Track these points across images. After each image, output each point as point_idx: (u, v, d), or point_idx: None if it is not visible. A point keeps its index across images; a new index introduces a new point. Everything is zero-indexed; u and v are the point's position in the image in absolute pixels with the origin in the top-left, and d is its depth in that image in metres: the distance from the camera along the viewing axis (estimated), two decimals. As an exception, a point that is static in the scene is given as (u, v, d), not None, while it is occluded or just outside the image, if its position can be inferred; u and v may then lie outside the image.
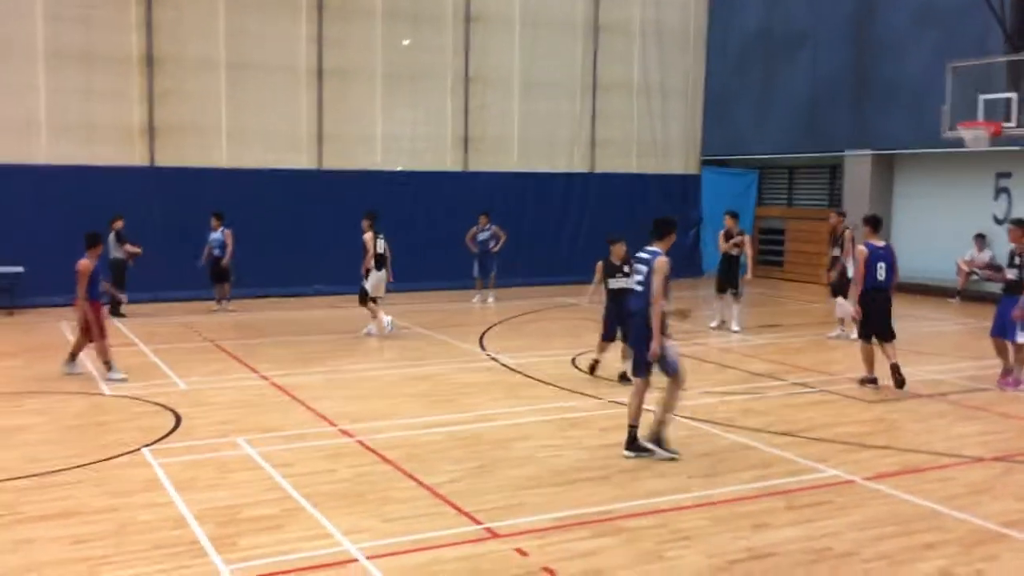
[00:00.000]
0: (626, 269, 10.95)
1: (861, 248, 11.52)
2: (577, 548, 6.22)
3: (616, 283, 11.22)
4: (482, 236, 19.03)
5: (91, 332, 11.55)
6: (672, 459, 8.23)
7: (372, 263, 14.61)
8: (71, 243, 17.64)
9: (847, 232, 14.82)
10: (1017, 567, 5.99)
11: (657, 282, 8.16)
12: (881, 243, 11.64)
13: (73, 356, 11.84)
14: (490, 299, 19.06)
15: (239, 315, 17.13)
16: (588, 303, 11.59)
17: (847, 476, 7.84)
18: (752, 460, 8.30)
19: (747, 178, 26.01)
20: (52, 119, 18.14)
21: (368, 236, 14.65)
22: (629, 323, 8.55)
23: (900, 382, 11.06)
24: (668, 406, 8.40)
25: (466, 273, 19.98)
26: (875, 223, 11.75)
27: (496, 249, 19.07)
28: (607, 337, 11.53)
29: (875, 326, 11.37)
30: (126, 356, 13.03)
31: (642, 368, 8.41)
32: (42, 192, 17.84)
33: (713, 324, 16.01)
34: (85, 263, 11.63)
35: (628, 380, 10.94)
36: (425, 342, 14.50)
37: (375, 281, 14.69)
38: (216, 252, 17.55)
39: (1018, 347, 11.21)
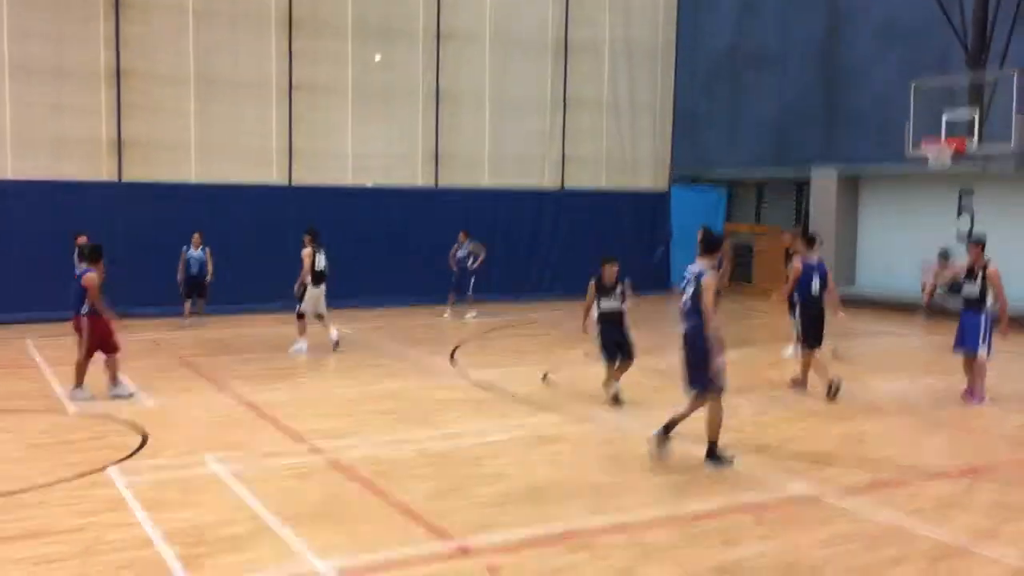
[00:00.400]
0: (618, 290, 11.08)
1: (796, 265, 12.25)
2: (549, 565, 6.22)
3: (608, 304, 11.17)
4: (460, 253, 19.10)
5: (89, 346, 11.14)
6: (730, 466, 8.48)
7: (309, 279, 14.58)
8: (37, 259, 17.58)
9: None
10: (982, 581, 6.06)
11: (708, 298, 8.28)
12: (814, 259, 12.20)
13: (113, 378, 11.34)
14: (469, 316, 19.03)
15: (208, 332, 17.00)
16: (585, 331, 11.37)
17: (815, 492, 7.90)
18: (722, 476, 8.35)
19: (716, 195, 26.24)
20: (18, 133, 17.93)
21: (307, 252, 14.61)
22: (684, 341, 8.59)
23: (834, 393, 11.49)
24: (714, 429, 8.57)
25: (436, 289, 19.99)
26: (810, 240, 12.42)
27: (474, 267, 19.11)
28: (611, 359, 11.28)
29: (807, 335, 11.96)
30: (92, 374, 12.88)
31: (700, 383, 8.48)
32: (7, 208, 17.63)
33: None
34: (92, 276, 11.19)
35: (618, 402, 11.05)
36: (395, 359, 14.46)
37: (313, 298, 14.66)
38: (194, 270, 17.51)
39: (978, 362, 11.37)
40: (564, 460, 8.84)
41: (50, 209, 17.76)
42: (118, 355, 11.41)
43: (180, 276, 17.50)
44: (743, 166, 24.79)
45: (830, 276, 12.19)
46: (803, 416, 10.79)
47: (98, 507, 7.31)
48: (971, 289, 11.51)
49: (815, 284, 11.97)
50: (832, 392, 11.53)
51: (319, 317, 14.86)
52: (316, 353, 14.78)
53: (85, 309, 11.18)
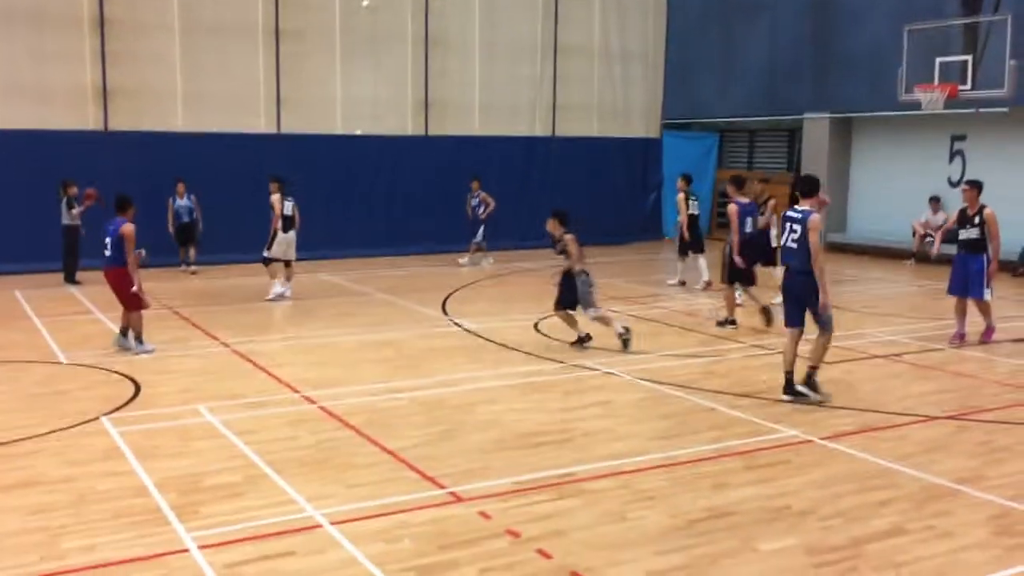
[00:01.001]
0: (559, 245, 11.37)
1: (733, 206, 13.05)
2: (540, 510, 6.28)
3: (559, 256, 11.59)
4: (474, 202, 19.26)
5: (133, 299, 10.88)
6: (822, 402, 8.91)
7: (279, 225, 14.64)
8: (23, 209, 17.43)
9: (771, 201, 14.83)
10: (968, 522, 6.14)
11: (815, 239, 8.74)
12: (745, 200, 13.25)
13: (131, 333, 11.01)
14: (486, 262, 19.39)
15: (198, 282, 16.96)
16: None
17: (805, 436, 7.97)
18: (712, 421, 8.42)
19: (708, 142, 26.10)
20: (1, 82, 17.70)
21: (275, 198, 14.68)
22: (790, 281, 9.11)
23: (768, 320, 12.50)
24: (818, 356, 9.09)
25: (426, 237, 19.95)
26: (738, 182, 13.40)
27: (484, 216, 19.20)
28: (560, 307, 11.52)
29: (742, 273, 12.90)
30: (83, 324, 12.88)
31: (796, 320, 9.07)
32: (-7, 157, 17.47)
33: (672, 282, 16.70)
34: (130, 227, 10.90)
35: (583, 343, 11.19)
36: (386, 307, 14.46)
37: (283, 243, 14.73)
38: (184, 219, 17.70)
39: (983, 305, 11.61)
40: (556, 407, 8.89)
41: (36, 159, 17.59)
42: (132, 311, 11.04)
43: (171, 227, 17.62)
44: (735, 113, 24.62)
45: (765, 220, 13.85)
46: (793, 362, 10.82)
47: (92, 456, 7.35)
48: (970, 233, 11.55)
49: (748, 223, 12.96)
50: (723, 323, 12.77)
51: (287, 265, 14.94)
52: (307, 302, 14.77)
53: (123, 261, 10.82)
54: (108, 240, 10.96)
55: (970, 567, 5.47)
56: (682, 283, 16.44)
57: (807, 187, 9.20)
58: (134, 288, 10.84)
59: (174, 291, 15.65)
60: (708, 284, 16.02)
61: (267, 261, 14.86)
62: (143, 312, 11.13)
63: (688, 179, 16.74)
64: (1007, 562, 5.55)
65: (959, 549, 5.73)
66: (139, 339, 11.05)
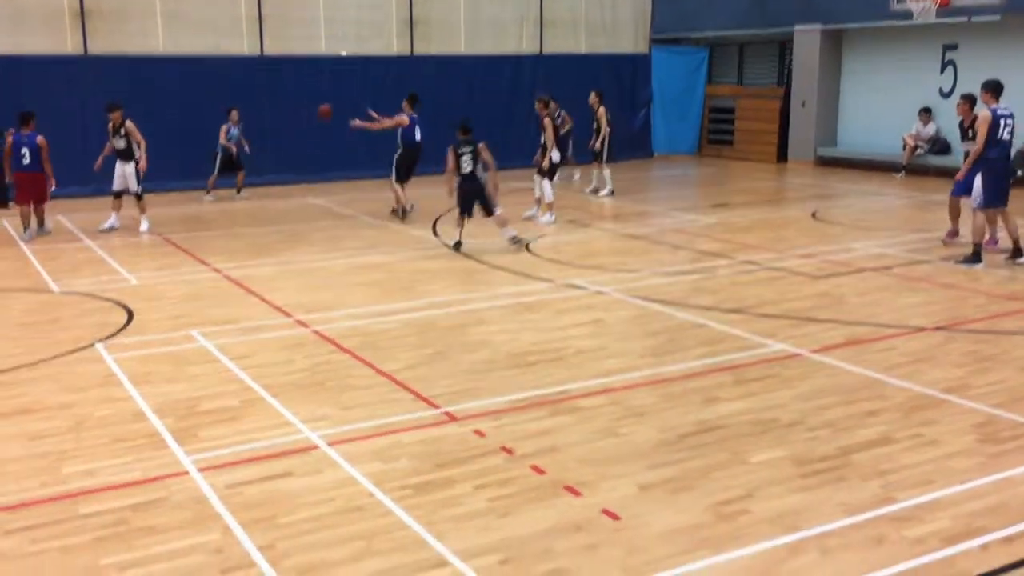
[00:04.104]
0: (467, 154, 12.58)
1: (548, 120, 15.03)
2: (533, 428, 6.38)
3: (466, 166, 12.60)
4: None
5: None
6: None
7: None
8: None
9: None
10: (953, 430, 6.27)
11: (983, 132, 11.00)
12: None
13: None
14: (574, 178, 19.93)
15: (183, 208, 16.86)
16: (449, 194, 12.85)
17: (793, 350, 8.07)
18: (702, 337, 8.50)
19: (697, 56, 25.78)
20: (-25, 7, 17.33)
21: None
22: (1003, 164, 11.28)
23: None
24: (1015, 229, 11.23)
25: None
26: (545, 102, 15.29)
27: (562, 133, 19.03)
28: (462, 213, 12.85)
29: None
30: (72, 252, 12.86)
31: (998, 200, 11.17)
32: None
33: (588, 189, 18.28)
34: (42, 139, 13.82)
35: (459, 247, 12.57)
36: (376, 231, 14.44)
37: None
38: (234, 146, 17.67)
39: (989, 213, 11.60)
40: (547, 326, 8.95)
41: (12, 86, 17.28)
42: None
43: (222, 154, 17.62)
44: (725, 26, 24.27)
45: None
46: (782, 277, 10.91)
47: (88, 383, 7.40)
48: (969, 145, 11.72)
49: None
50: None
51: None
52: (296, 227, 14.74)
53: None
54: (26, 150, 13.67)
55: (955, 473, 5.60)
56: (596, 189, 17.96)
57: (998, 88, 11.21)
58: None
59: (158, 218, 15.51)
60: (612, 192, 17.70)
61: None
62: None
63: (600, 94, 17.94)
64: (991, 468, 5.67)
65: (945, 456, 5.85)
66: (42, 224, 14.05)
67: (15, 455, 6.02)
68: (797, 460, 5.82)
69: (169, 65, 18.68)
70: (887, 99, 21.21)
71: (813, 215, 15.40)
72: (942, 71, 20.18)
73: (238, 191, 18.16)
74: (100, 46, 18.30)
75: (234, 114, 17.62)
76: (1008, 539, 4.82)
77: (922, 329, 8.71)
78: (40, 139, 13.64)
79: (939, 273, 11.02)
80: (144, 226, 14.29)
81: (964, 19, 18.83)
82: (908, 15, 18.52)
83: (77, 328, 9.01)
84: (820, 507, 5.18)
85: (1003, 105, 11.21)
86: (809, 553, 4.71)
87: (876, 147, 21.27)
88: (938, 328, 8.73)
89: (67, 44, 18.12)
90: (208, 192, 17.79)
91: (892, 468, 5.68)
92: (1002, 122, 11.09)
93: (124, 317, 9.37)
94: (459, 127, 12.87)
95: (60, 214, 15.94)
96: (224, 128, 17.51)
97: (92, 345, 8.39)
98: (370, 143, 20.42)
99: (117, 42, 18.38)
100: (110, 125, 14.40)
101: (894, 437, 6.16)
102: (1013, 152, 11.60)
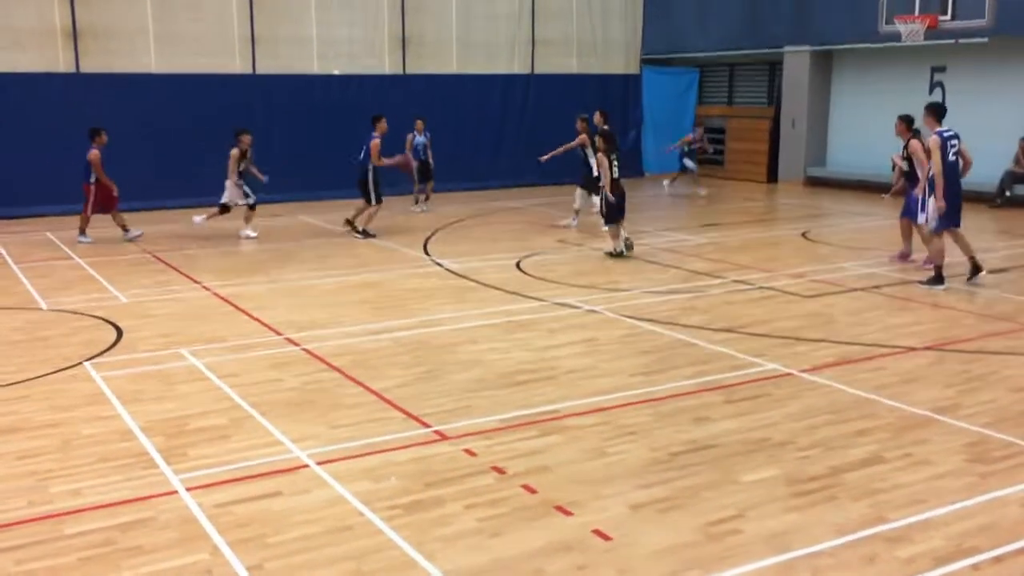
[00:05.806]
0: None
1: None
2: (524, 447, 6.36)
3: (616, 171, 13.30)
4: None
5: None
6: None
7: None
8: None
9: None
10: (944, 450, 6.27)
11: (937, 156, 11.01)
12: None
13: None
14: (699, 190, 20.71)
15: (175, 226, 16.82)
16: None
17: (784, 369, 8.07)
18: (693, 357, 8.50)
19: (688, 77, 25.92)
20: (-33, 25, 17.32)
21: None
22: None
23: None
24: (968, 247, 11.35)
25: (404, 178, 19.76)
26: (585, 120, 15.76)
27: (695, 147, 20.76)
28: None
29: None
30: (63, 270, 12.80)
31: (950, 222, 11.21)
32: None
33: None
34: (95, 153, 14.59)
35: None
36: (368, 249, 14.43)
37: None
38: (421, 156, 17.84)
39: (923, 232, 12.02)
40: (539, 345, 8.94)
41: (2, 103, 17.28)
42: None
43: (406, 162, 17.43)
44: (715, 46, 24.42)
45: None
46: (773, 296, 10.93)
47: (77, 401, 7.36)
48: (904, 164, 12.54)
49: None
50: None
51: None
52: (287, 245, 14.72)
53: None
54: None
55: (946, 493, 5.60)
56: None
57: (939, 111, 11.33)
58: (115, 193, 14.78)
59: (150, 235, 15.49)
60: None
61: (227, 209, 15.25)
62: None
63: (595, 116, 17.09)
64: (982, 488, 5.67)
65: (936, 476, 5.85)
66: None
67: (1, 474, 5.97)
68: (788, 479, 5.81)
69: (161, 83, 18.68)
70: (876, 120, 21.32)
71: (804, 235, 15.46)
72: (930, 92, 20.33)
73: (426, 199, 18.38)
74: (92, 64, 18.31)
75: (419, 123, 17.89)
76: (999, 559, 4.81)
77: (912, 349, 8.73)
78: (90, 154, 14.57)
79: (928, 294, 11.05)
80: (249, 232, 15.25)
81: (952, 41, 19.00)
82: (897, 37, 18.67)
83: (66, 346, 8.96)
84: (811, 527, 5.17)
85: (946, 127, 11.28)
86: (800, 573, 4.70)
87: (865, 167, 21.39)
88: (928, 348, 8.75)
89: (59, 62, 18.12)
90: (416, 202, 18.32)
91: (883, 488, 5.67)
92: (948, 144, 11.19)
93: (113, 335, 9.32)
94: (603, 136, 13.25)
95: (49, 231, 15.90)
96: (409, 137, 17.71)
97: (81, 363, 8.34)
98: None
99: (109, 60, 18.40)
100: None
101: (885, 457, 6.16)
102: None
